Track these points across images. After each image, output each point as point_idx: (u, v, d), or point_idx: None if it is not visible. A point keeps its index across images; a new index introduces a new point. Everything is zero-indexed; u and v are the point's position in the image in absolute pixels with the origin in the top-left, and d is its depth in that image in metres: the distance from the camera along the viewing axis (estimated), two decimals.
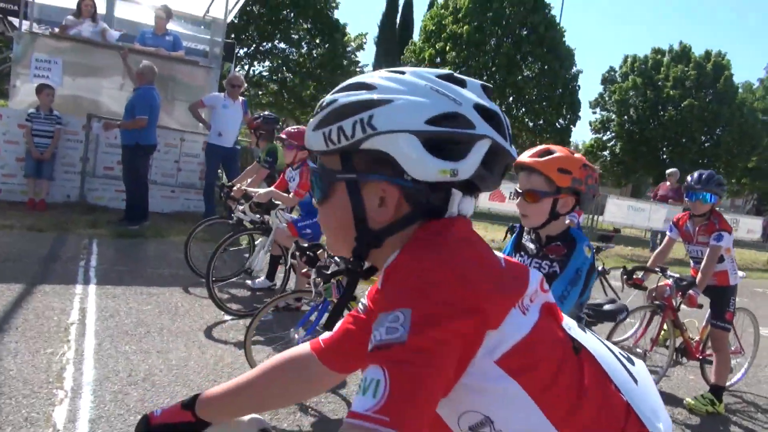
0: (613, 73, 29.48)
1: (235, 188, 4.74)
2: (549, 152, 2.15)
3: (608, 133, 29.04)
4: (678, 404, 3.95)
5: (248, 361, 3.14)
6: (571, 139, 24.22)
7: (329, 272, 3.13)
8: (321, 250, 3.35)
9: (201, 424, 1.02)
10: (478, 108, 0.84)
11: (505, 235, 5.57)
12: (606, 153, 28.88)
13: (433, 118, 0.80)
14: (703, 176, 4.04)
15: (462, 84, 0.87)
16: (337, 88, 0.89)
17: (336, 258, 3.22)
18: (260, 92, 18.27)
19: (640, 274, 4.18)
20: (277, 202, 4.48)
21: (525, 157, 2.16)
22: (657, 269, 4.08)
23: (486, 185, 0.89)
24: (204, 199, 7.62)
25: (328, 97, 0.87)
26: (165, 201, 8.03)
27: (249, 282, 5.10)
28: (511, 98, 22.34)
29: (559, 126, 23.20)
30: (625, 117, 27.96)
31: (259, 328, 4.08)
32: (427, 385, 0.68)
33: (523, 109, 22.59)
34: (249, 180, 5.16)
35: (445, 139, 0.81)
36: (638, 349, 4.06)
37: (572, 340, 0.90)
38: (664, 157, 27.56)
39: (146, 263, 5.49)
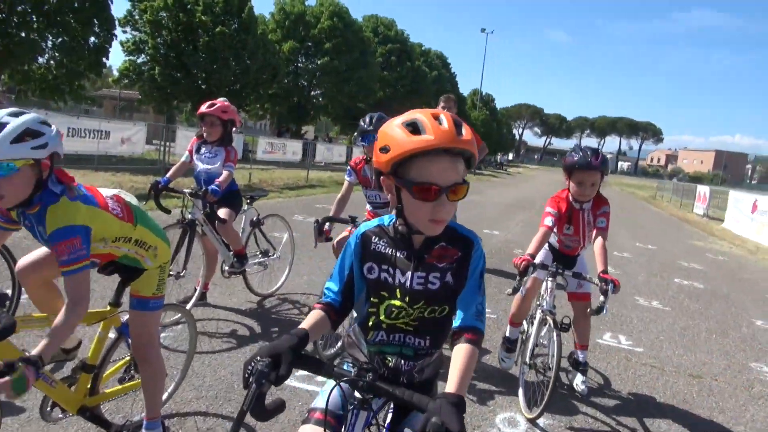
0: None
1: None
2: (458, 122, 1.49)
3: (143, 56, 27.18)
4: None
5: None
6: (106, 60, 21.45)
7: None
8: None
9: None
10: None
11: (150, 193, 4.37)
12: (143, 78, 27.02)
13: None
14: (374, 118, 3.97)
15: None
16: None
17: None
18: None
19: (327, 225, 3.89)
20: None
21: (451, 135, 1.44)
22: (348, 218, 3.87)
23: None
24: None
25: None
26: None
27: None
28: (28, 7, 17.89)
29: (93, 45, 20.15)
30: (159, 39, 26.66)
31: None
32: None
33: (44, 21, 18.45)
34: None
35: None
36: None
37: None
38: (201, 83, 27.91)
39: None
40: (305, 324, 1.54)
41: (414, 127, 1.44)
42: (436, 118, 1.45)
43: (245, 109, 32.84)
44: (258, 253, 5.19)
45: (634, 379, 4.32)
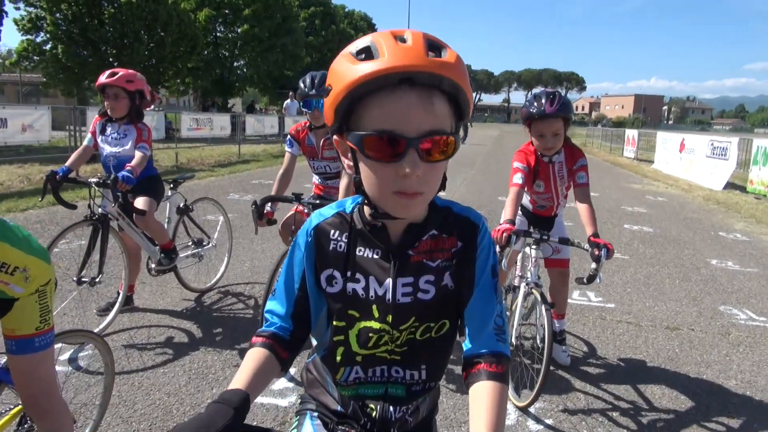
0: None
1: None
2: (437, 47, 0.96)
3: (42, 33, 24.73)
4: None
5: None
6: None
7: None
8: None
9: None
10: None
11: (46, 186, 3.60)
12: (46, 58, 24.65)
13: None
14: (316, 78, 3.39)
15: None
16: None
17: None
18: None
19: (269, 206, 3.32)
20: None
21: (415, 54, 0.90)
22: (291, 196, 3.30)
23: None
24: None
25: None
26: None
27: None
28: None
29: None
30: (59, 14, 24.27)
31: None
32: None
33: None
34: None
35: None
36: None
37: None
38: (112, 60, 25.83)
39: None
40: (240, 378, 1.00)
41: (367, 53, 0.92)
42: (398, 36, 0.93)
43: (165, 85, 30.77)
44: (190, 243, 4.54)
45: (614, 339, 4.05)
